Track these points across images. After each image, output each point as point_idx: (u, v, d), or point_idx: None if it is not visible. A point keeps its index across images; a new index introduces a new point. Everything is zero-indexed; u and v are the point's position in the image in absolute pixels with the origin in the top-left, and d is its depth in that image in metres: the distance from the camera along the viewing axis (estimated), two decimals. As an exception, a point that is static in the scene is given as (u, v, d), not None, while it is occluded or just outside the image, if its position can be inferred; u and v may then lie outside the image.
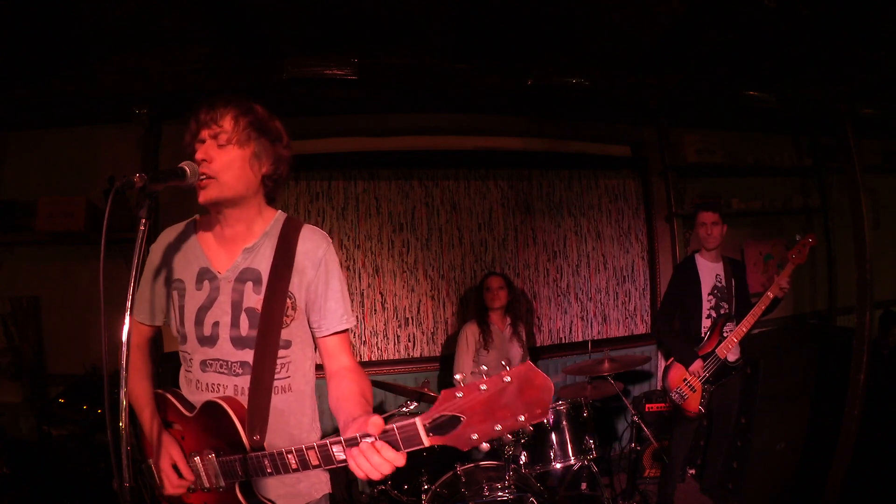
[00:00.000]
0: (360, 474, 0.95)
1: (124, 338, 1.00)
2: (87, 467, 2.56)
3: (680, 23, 2.66)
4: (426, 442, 0.90)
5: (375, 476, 0.93)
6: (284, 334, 1.27)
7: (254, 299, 1.26)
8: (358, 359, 3.38)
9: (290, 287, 1.27)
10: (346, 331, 1.34)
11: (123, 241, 2.55)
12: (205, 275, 1.29)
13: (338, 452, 1.00)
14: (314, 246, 1.31)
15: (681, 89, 3.45)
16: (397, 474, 2.64)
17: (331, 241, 1.37)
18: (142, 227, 1.06)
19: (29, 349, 3.09)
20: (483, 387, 0.85)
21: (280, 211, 1.37)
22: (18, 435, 2.98)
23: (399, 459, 0.92)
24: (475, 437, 0.86)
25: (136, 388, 1.30)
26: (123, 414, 0.98)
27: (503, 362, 0.89)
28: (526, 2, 2.50)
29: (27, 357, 3.09)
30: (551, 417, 2.60)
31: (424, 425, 0.89)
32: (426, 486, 2.46)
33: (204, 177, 1.18)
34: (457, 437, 0.87)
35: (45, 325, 3.16)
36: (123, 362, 1.00)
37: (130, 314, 1.02)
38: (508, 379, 0.84)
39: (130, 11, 2.36)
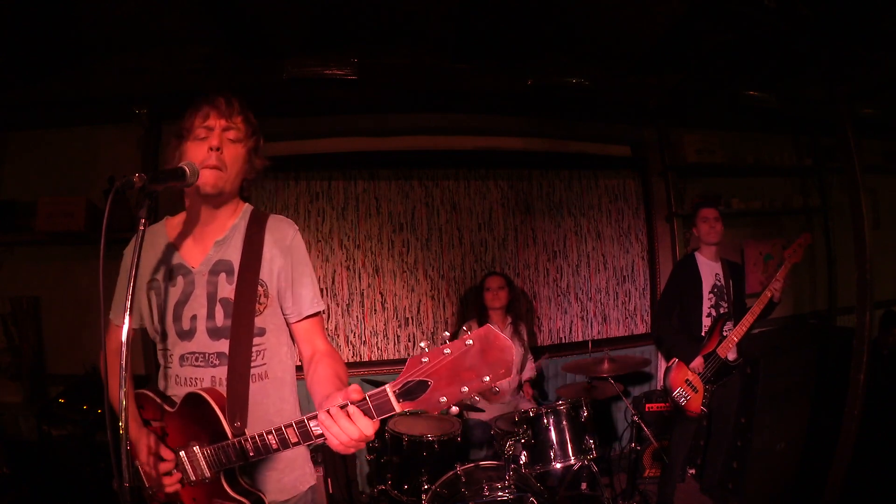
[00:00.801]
0: (332, 442, 0.97)
1: (123, 338, 1.00)
2: (87, 467, 2.56)
3: (680, 23, 2.66)
4: (397, 407, 0.92)
5: (346, 441, 0.95)
6: (258, 322, 1.29)
7: (227, 290, 1.28)
8: (357, 359, 3.42)
9: (260, 275, 1.30)
10: (317, 314, 1.38)
11: (123, 241, 2.54)
12: (178, 270, 1.31)
13: (315, 427, 1.02)
14: (282, 235, 1.35)
15: (681, 89, 3.45)
16: (398, 474, 2.64)
17: (297, 228, 1.40)
18: (141, 227, 1.07)
19: (29, 349, 3.09)
20: (447, 350, 0.88)
21: (247, 204, 1.41)
22: (18, 435, 2.98)
23: (368, 427, 0.94)
24: (444, 399, 0.89)
25: (117, 391, 1.31)
26: (123, 414, 0.98)
27: (464, 327, 0.91)
28: (526, 2, 2.51)
29: (27, 357, 3.09)
30: (551, 416, 2.60)
31: (394, 391, 0.92)
32: (426, 486, 2.46)
33: (213, 165, 1.23)
34: (426, 400, 0.90)
35: (45, 325, 3.15)
36: (123, 362, 1.00)
37: (130, 313, 1.02)
38: (470, 342, 0.87)
39: (130, 11, 2.36)
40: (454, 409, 0.91)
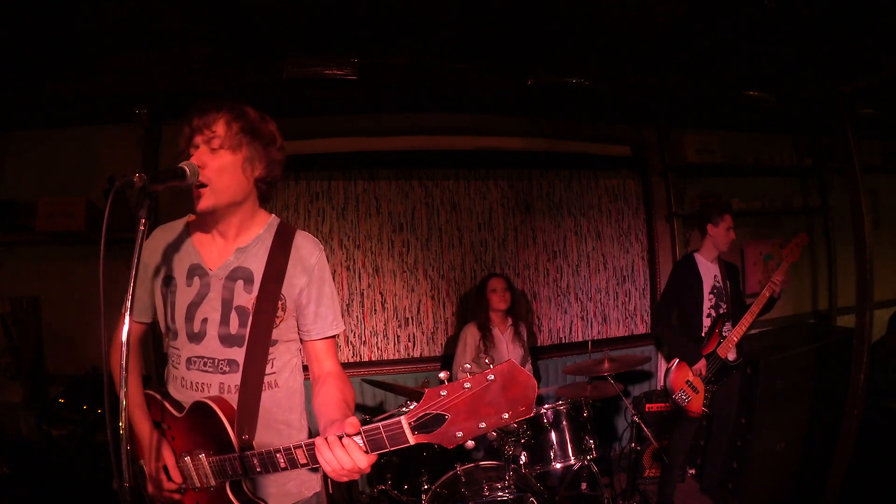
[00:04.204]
0: (326, 468, 0.97)
1: (124, 338, 1.00)
2: (87, 467, 2.56)
3: (680, 23, 2.66)
4: (412, 440, 0.90)
5: (337, 468, 0.94)
6: (273, 334, 1.28)
7: (244, 298, 1.27)
8: (357, 359, 3.42)
9: (282, 289, 1.28)
10: (334, 336, 1.37)
11: (123, 241, 2.55)
12: (195, 271, 1.29)
13: None
14: (307, 253, 1.33)
15: (681, 89, 3.45)
16: (398, 474, 2.64)
17: (322, 248, 1.39)
18: (142, 227, 1.06)
19: (29, 349, 3.09)
20: (467, 385, 0.86)
21: (273, 215, 1.39)
22: (18, 435, 2.98)
23: (363, 460, 0.94)
24: (460, 434, 0.87)
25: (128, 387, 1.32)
26: (123, 414, 0.98)
27: (487, 360, 0.89)
28: (526, 2, 2.51)
29: (27, 357, 3.09)
30: (551, 416, 2.60)
31: (409, 423, 0.90)
32: (426, 486, 2.46)
33: (198, 185, 1.18)
34: (441, 434, 0.88)
35: (45, 325, 3.15)
36: (123, 362, 1.00)
37: (130, 314, 1.01)
38: (492, 377, 0.85)
39: (130, 11, 2.37)
40: (470, 443, 0.89)
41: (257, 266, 1.29)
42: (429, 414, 0.88)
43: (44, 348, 3.15)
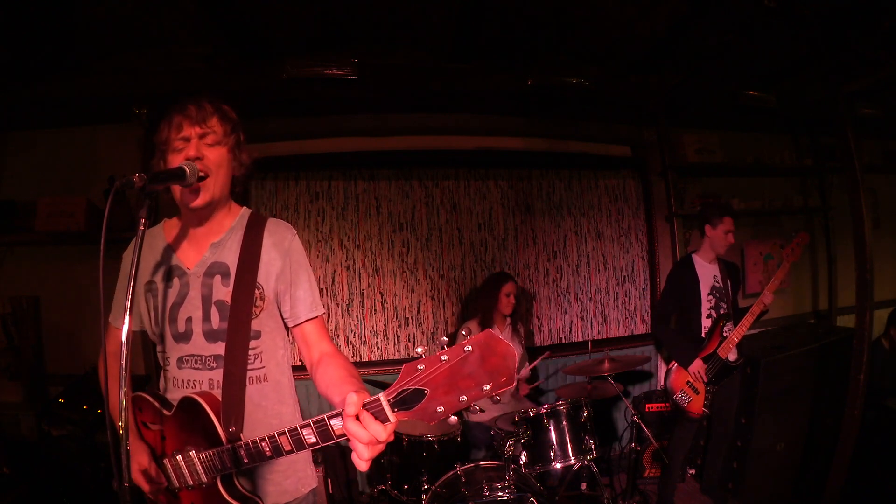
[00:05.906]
0: (359, 450, 0.89)
1: (123, 338, 1.00)
2: (87, 467, 2.56)
3: (680, 23, 2.66)
4: (392, 418, 0.87)
5: (370, 439, 0.87)
6: (254, 325, 1.28)
7: (223, 292, 1.28)
8: (357, 359, 3.42)
9: (257, 278, 1.29)
10: (318, 317, 1.36)
11: (123, 241, 2.54)
12: (174, 272, 1.31)
13: (308, 436, 1.00)
14: (280, 238, 1.34)
15: (681, 89, 3.45)
16: (398, 474, 2.64)
17: (295, 232, 1.39)
18: (141, 227, 1.06)
19: (29, 349, 3.09)
20: (444, 357, 0.83)
21: (245, 207, 1.41)
22: (18, 435, 2.98)
23: (381, 432, 0.87)
24: (441, 409, 0.84)
25: (116, 394, 1.29)
26: (124, 414, 0.98)
27: (464, 332, 0.86)
28: (526, 2, 2.51)
29: (27, 357, 3.09)
30: (551, 417, 2.60)
31: (389, 400, 0.87)
32: (426, 486, 2.46)
33: (202, 175, 1.20)
34: (422, 410, 0.85)
35: (45, 325, 3.15)
36: (123, 362, 1.00)
37: (130, 313, 1.01)
38: (469, 348, 0.81)
39: (130, 11, 2.37)
40: (453, 419, 0.86)
41: (232, 259, 1.30)
42: (407, 389, 0.85)
43: (44, 348, 3.15)
